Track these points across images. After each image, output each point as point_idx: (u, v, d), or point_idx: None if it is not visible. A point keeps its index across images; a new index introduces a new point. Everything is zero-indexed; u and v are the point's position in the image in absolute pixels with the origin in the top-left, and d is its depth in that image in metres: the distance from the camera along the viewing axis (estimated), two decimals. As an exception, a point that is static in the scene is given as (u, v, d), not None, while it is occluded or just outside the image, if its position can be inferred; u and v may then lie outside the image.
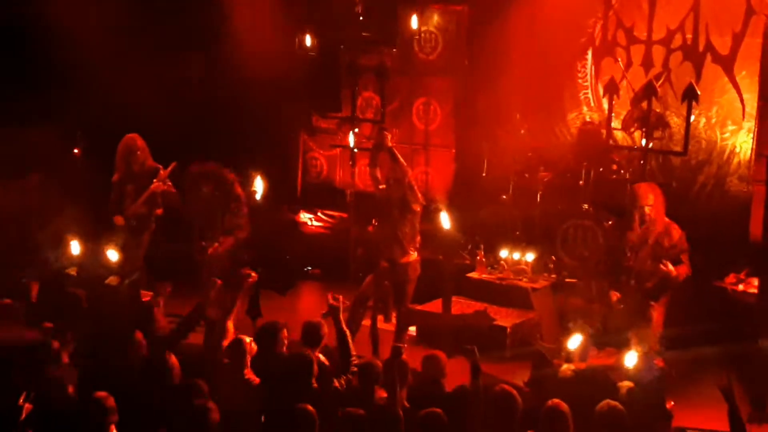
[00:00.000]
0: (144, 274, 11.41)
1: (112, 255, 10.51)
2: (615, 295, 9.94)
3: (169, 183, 11.39)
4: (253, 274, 9.42)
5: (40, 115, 12.80)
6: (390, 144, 10.75)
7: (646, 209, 9.82)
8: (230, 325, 8.45)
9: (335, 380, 7.85)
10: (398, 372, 7.49)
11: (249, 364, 7.84)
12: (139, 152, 11.37)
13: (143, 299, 10.64)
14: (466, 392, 7.57)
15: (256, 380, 7.74)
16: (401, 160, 10.66)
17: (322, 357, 8.18)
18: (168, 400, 7.35)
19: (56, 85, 13.20)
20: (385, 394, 7.52)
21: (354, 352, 8.22)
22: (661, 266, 9.64)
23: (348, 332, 8.29)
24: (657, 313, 9.87)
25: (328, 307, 8.27)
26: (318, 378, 7.69)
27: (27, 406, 6.95)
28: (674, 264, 9.70)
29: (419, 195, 10.59)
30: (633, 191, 10.05)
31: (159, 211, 11.53)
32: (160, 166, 11.42)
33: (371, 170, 10.81)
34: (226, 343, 8.20)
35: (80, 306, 8.83)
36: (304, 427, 6.74)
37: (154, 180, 11.31)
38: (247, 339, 7.96)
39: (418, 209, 10.53)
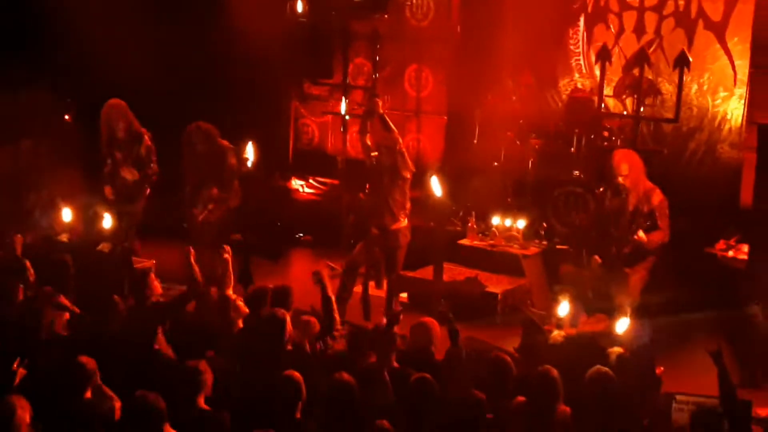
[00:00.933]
0: (137, 240, 11.42)
1: (106, 221, 10.50)
2: (597, 260, 10.02)
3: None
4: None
5: (32, 80, 12.74)
6: (381, 111, 10.75)
7: (620, 179, 9.88)
8: (231, 293, 8.47)
9: (317, 343, 7.92)
10: (387, 338, 7.53)
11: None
12: (122, 118, 11.31)
13: (136, 265, 10.65)
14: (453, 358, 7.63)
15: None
16: (392, 126, 10.66)
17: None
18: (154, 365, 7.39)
19: (48, 49, 13.14)
20: (373, 359, 7.55)
21: (338, 318, 8.27)
22: (634, 236, 9.71)
23: (333, 297, 8.32)
24: (635, 279, 9.94)
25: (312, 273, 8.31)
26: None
27: (21, 371, 6.96)
28: (652, 230, 9.76)
29: (409, 162, 10.60)
30: (608, 161, 10.11)
31: (154, 177, 11.51)
32: (145, 131, 11.40)
33: (362, 137, 10.80)
34: (233, 313, 8.23)
35: (67, 272, 8.80)
36: (287, 393, 6.76)
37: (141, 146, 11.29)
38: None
39: (409, 176, 10.55)
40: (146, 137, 11.41)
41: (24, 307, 8.19)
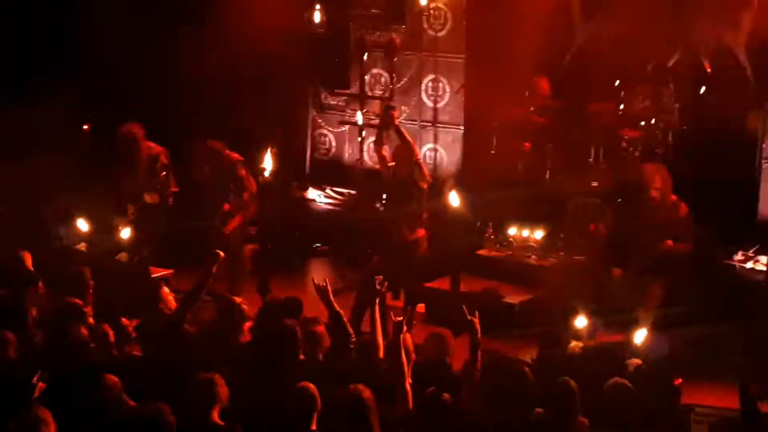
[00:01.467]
0: (154, 251, 11.43)
1: (125, 232, 10.54)
2: (617, 272, 9.99)
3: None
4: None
5: (51, 90, 12.80)
6: (396, 122, 10.75)
7: (653, 192, 9.85)
8: (243, 305, 8.46)
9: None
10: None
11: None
12: (135, 143, 11.34)
13: (152, 276, 10.67)
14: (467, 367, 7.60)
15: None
16: (408, 137, 10.65)
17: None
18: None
19: (67, 60, 13.19)
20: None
21: (352, 331, 8.18)
22: (661, 245, 9.69)
23: (340, 311, 8.18)
24: (657, 290, 9.90)
25: (314, 287, 8.22)
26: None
27: (40, 384, 6.96)
28: (677, 241, 9.75)
29: (426, 173, 10.60)
30: (640, 174, 10.08)
31: (174, 189, 11.54)
32: (161, 149, 11.43)
33: (377, 149, 10.82)
34: (248, 325, 8.23)
35: (85, 282, 8.81)
36: (301, 405, 6.74)
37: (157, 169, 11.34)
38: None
39: (426, 187, 10.54)
40: (162, 156, 11.44)
41: (42, 320, 8.21)
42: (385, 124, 10.81)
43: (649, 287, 9.88)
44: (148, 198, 11.40)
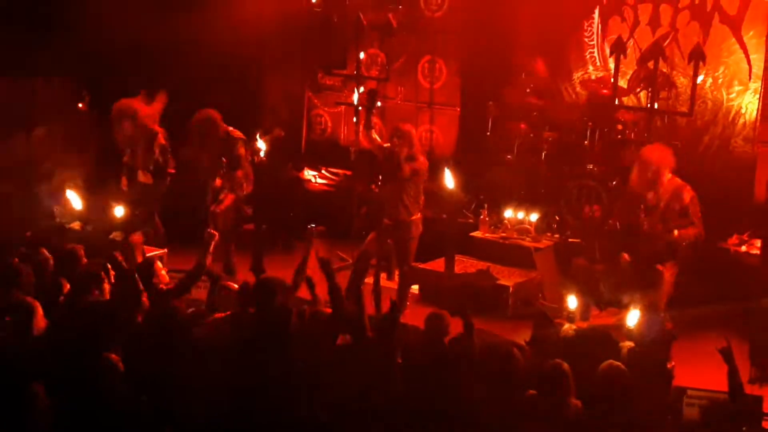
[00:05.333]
0: (151, 229, 11.42)
1: (119, 211, 10.52)
2: (625, 257, 9.95)
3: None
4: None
5: (47, 68, 12.77)
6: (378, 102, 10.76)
7: (651, 173, 9.80)
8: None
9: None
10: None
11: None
12: (129, 119, 11.30)
13: (148, 254, 10.66)
14: (463, 348, 7.62)
15: None
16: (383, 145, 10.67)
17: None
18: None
19: (63, 38, 13.13)
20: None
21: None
22: (668, 234, 9.63)
23: (340, 287, 8.25)
24: (667, 275, 9.85)
25: (318, 261, 8.28)
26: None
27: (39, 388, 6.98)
28: (685, 226, 9.70)
29: (423, 162, 10.57)
30: (639, 155, 10.05)
31: (171, 170, 11.53)
32: (160, 129, 11.41)
33: (367, 132, 10.82)
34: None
35: (79, 260, 8.80)
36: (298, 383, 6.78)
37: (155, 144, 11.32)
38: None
39: (424, 169, 10.54)
40: (160, 135, 11.42)
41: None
42: (370, 108, 10.83)
43: (661, 273, 9.80)
44: (141, 177, 11.38)
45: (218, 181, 11.21)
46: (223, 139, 11.21)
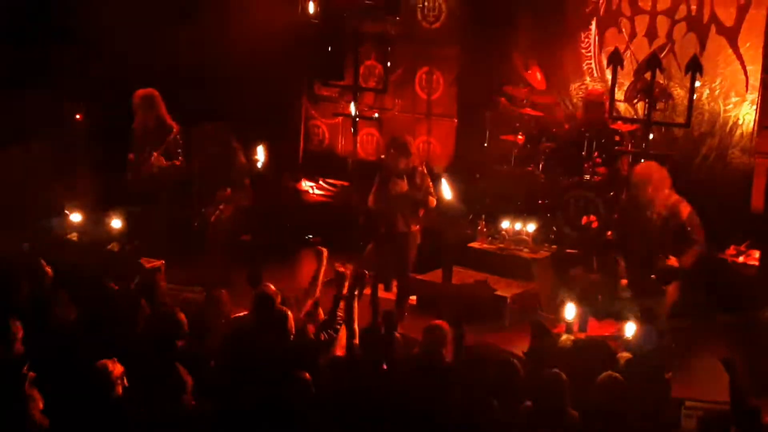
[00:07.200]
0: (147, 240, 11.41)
1: (116, 222, 10.52)
2: (621, 263, 9.94)
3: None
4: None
5: (43, 80, 12.76)
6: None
7: (641, 192, 9.75)
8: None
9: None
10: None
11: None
12: (154, 108, 11.31)
13: (145, 266, 10.65)
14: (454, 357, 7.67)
15: None
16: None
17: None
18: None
19: (59, 50, 13.15)
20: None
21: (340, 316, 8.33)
22: (667, 261, 9.55)
23: (343, 300, 8.32)
24: (671, 290, 9.78)
25: (334, 274, 8.32)
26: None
27: (30, 374, 6.96)
28: (685, 242, 9.64)
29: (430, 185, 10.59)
30: (633, 175, 10.02)
31: (179, 171, 11.52)
32: (175, 124, 11.39)
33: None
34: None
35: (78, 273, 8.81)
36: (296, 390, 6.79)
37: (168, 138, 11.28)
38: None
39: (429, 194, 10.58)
40: (175, 130, 11.40)
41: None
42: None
43: (664, 291, 9.72)
44: (156, 162, 11.24)
45: (226, 191, 11.20)
46: (230, 146, 11.21)
